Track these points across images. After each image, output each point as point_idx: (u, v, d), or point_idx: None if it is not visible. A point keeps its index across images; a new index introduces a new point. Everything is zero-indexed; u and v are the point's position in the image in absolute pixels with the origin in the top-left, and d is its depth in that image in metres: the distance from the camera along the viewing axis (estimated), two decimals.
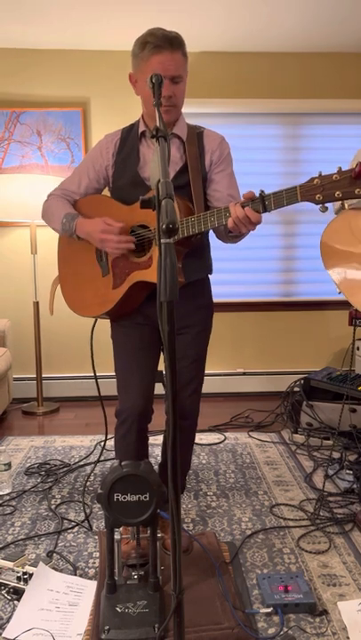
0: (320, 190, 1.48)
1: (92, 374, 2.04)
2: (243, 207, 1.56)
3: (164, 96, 1.67)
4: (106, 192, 1.98)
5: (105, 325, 2.04)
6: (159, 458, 2.17)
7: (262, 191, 1.56)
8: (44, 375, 3.77)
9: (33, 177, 3.49)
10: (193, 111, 3.62)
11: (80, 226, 1.85)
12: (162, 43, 1.68)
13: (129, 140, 1.89)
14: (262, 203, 1.55)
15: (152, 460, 1.81)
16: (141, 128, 1.87)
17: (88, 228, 1.82)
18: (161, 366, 1.98)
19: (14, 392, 3.75)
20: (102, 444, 2.28)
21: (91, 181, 1.94)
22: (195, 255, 1.85)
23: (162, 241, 1.12)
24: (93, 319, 1.98)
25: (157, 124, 1.35)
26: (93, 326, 2.01)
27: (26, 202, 3.40)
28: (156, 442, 2.56)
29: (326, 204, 1.49)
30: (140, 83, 1.78)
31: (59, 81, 3.76)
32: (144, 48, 1.72)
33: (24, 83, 3.75)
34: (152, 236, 1.78)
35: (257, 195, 1.56)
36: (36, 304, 3.66)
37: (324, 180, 1.48)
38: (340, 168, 1.47)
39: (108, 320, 1.99)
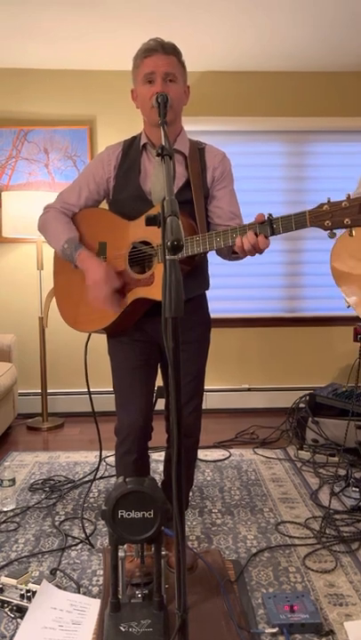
0: (329, 217, 1.49)
1: (98, 389, 2.03)
2: (255, 234, 1.56)
3: (155, 92, 1.68)
4: (103, 204, 1.97)
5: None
6: (163, 475, 2.16)
7: (270, 214, 1.56)
8: (49, 390, 3.77)
9: (40, 194, 3.52)
10: (198, 129, 3.65)
11: (82, 261, 1.81)
12: (154, 47, 1.74)
13: (131, 152, 1.88)
14: (270, 226, 1.55)
15: (156, 477, 1.80)
16: (143, 140, 1.86)
17: (91, 267, 1.79)
18: (158, 382, 1.98)
19: (19, 407, 3.75)
20: (98, 462, 2.26)
21: (91, 193, 1.92)
22: (195, 272, 1.84)
23: (167, 257, 1.12)
24: (91, 334, 1.95)
25: (163, 143, 1.36)
26: (87, 341, 1.96)
27: (33, 218, 3.38)
28: (160, 458, 2.55)
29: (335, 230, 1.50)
30: (136, 90, 1.80)
31: (66, 100, 3.82)
32: (138, 56, 1.77)
33: (32, 101, 3.81)
34: (154, 253, 1.77)
35: (265, 218, 1.56)
36: (42, 319, 3.67)
37: (333, 207, 1.48)
38: (349, 195, 1.48)
39: (105, 335, 1.96)
